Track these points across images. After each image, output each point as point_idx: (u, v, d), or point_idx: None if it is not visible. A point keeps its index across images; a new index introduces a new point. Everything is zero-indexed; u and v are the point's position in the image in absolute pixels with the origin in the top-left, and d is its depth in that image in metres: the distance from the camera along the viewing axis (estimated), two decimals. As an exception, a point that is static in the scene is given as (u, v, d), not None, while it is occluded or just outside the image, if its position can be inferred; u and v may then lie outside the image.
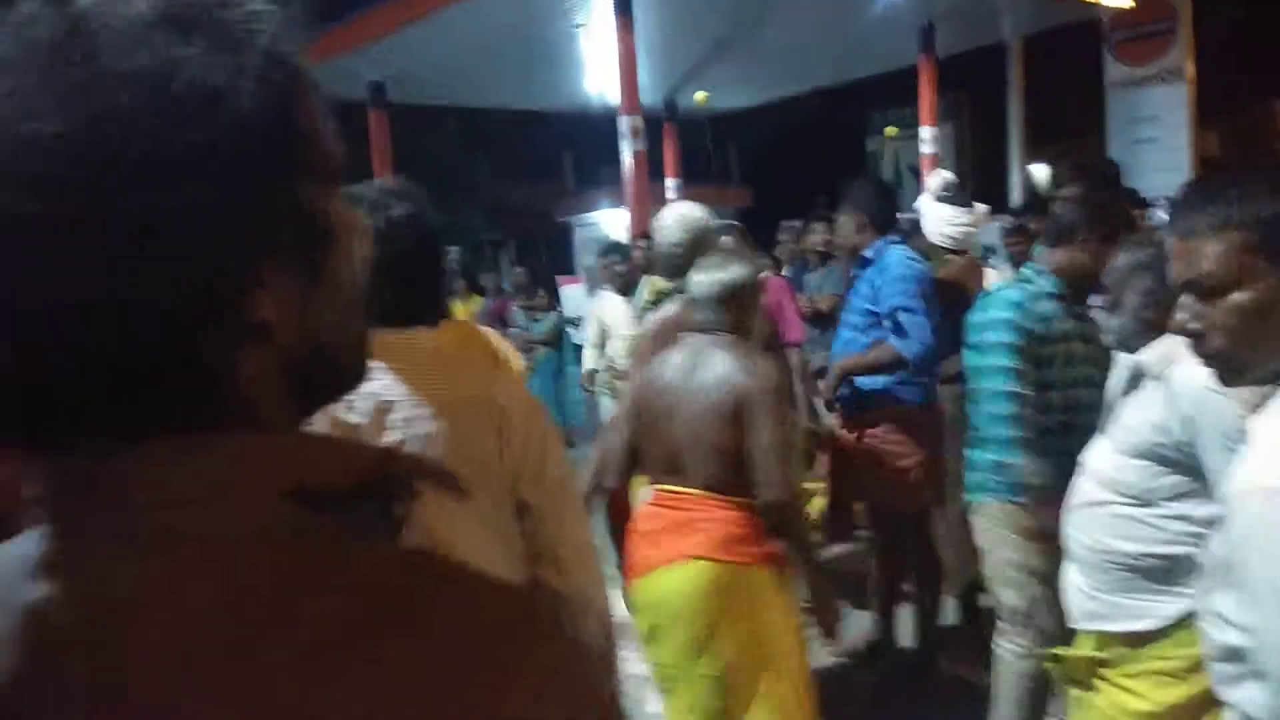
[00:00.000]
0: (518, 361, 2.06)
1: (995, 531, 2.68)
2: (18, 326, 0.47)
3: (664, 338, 2.78)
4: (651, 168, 6.03)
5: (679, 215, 3.01)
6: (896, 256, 3.44)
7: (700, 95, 8.51)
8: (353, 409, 1.34)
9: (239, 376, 0.52)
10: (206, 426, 0.51)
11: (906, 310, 3.32)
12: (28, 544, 0.52)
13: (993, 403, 2.63)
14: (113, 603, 0.49)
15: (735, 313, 2.47)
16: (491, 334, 2.01)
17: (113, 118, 0.46)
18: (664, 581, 2.33)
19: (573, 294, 7.97)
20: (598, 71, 6.99)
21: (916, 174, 7.35)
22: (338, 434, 1.25)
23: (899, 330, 3.33)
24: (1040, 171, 8.79)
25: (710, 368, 2.39)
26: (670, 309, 2.93)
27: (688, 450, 2.37)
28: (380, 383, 1.38)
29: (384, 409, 1.37)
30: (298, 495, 0.51)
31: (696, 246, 2.93)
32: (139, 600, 0.48)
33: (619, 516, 2.52)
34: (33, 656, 0.49)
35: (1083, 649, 2.17)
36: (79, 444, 0.51)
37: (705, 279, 2.49)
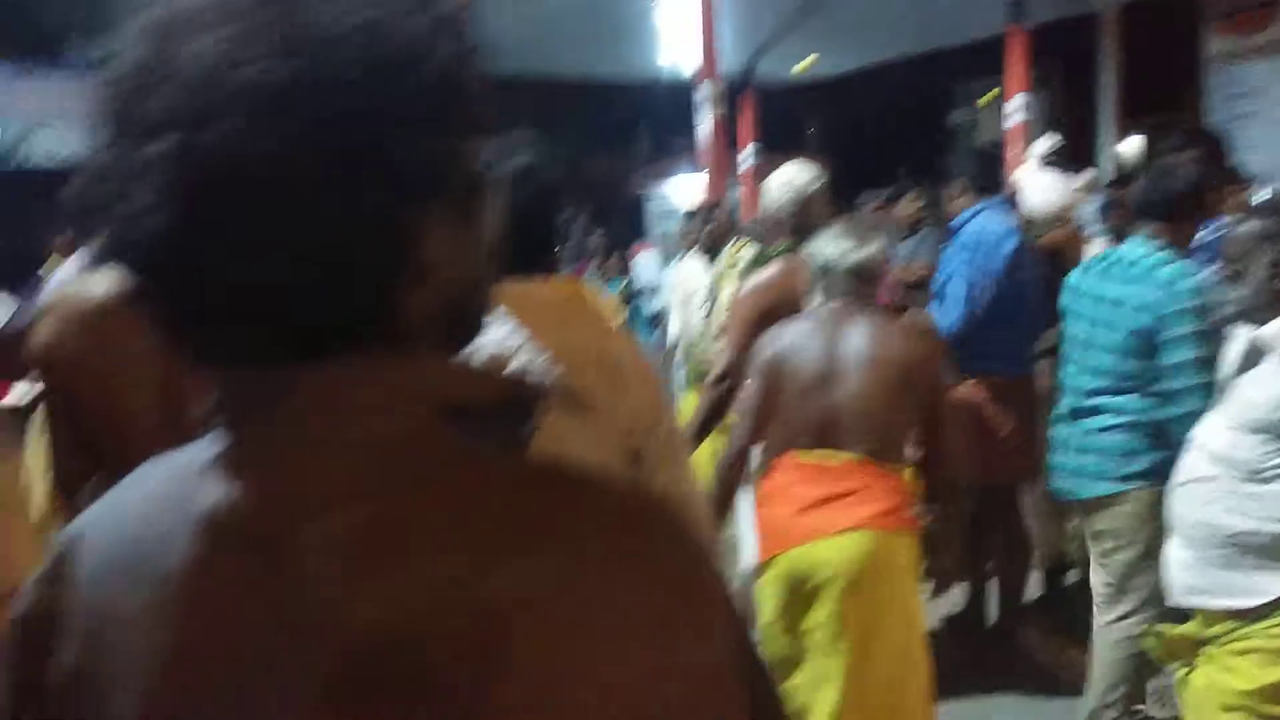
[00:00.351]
0: (617, 318, 2.07)
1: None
2: (233, 257, 0.50)
3: (769, 299, 2.76)
4: (727, 137, 5.98)
5: (786, 178, 2.96)
6: (978, 224, 3.36)
7: (806, 61, 8.32)
8: (475, 353, 1.36)
9: (404, 310, 0.55)
10: (372, 353, 0.54)
11: (955, 279, 3.25)
12: (203, 448, 0.56)
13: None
14: (283, 501, 0.52)
15: (868, 285, 2.48)
16: (596, 289, 2.02)
17: (329, 70, 0.50)
18: (832, 549, 2.29)
19: (645, 262, 7.95)
20: (673, 41, 6.95)
21: (1001, 147, 7.14)
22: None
23: (942, 298, 3.27)
24: (1130, 146, 8.44)
25: (868, 339, 2.39)
26: (772, 270, 2.90)
27: (848, 419, 2.35)
28: (501, 329, 1.40)
29: (504, 355, 1.39)
30: (445, 411, 0.55)
31: (804, 209, 2.89)
32: (307, 499, 0.51)
33: (732, 479, 2.52)
34: (208, 551, 0.53)
35: (1191, 628, 2.13)
36: (260, 362, 0.54)
37: (842, 252, 2.46)
